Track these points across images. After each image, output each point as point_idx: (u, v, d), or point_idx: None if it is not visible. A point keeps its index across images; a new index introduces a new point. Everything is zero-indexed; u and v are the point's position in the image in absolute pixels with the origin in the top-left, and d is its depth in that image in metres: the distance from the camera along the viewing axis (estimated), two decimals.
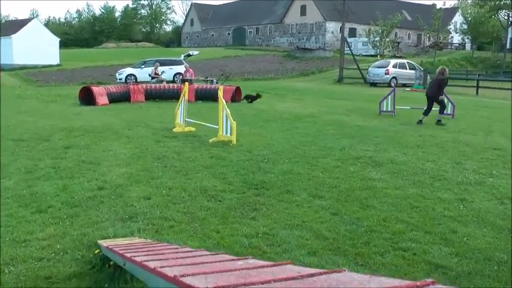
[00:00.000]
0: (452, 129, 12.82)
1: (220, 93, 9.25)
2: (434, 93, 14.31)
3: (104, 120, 12.63)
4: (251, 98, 18.79)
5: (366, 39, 56.73)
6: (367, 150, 9.12)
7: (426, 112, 14.25)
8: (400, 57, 48.84)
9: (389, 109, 15.88)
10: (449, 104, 15.84)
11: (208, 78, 25.86)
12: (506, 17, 71.76)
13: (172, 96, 18.80)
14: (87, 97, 17.15)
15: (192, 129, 10.62)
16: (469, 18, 62.40)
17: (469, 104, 20.81)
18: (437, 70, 14.94)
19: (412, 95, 24.81)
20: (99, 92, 17.41)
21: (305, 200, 5.74)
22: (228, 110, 9.18)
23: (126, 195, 5.71)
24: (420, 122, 13.97)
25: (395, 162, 8.18)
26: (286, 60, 53.15)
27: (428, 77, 33.04)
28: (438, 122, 13.94)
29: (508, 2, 66.61)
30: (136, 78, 31.31)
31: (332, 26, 67.91)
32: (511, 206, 5.94)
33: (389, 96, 15.97)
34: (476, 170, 7.87)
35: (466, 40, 73.47)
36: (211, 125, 10.16)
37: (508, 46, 62.96)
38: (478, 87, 29.42)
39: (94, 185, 6.16)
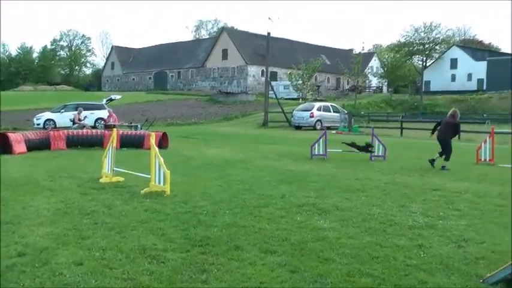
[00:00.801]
0: (387, 171, 12.92)
1: (153, 140, 8.71)
2: (444, 136, 14.26)
3: (23, 170, 11.61)
4: (362, 149, 16.00)
5: (287, 82, 58.13)
6: (309, 197, 8.86)
7: (442, 153, 14.22)
8: (321, 100, 50.15)
9: (321, 152, 15.89)
10: (381, 146, 16.09)
11: (132, 124, 25.07)
12: (420, 62, 76.52)
13: (95, 143, 17.92)
14: (2, 145, 15.84)
15: (121, 179, 9.91)
16: (386, 63, 65.61)
17: (397, 145, 21.37)
18: (450, 112, 14.75)
19: (341, 138, 25.14)
20: (16, 139, 16.13)
21: (257, 256, 5.28)
22: (161, 158, 8.63)
23: (52, 262, 4.98)
24: (433, 161, 14.03)
25: (341, 208, 7.95)
26: (208, 104, 53.18)
27: (352, 120, 34.03)
28: (443, 168, 13.68)
29: (421, 48, 71.12)
30: (55, 123, 30.00)
31: (253, 70, 69.15)
32: (469, 249, 5.81)
33: (321, 140, 16.00)
34: (423, 212, 7.80)
35: (383, 83, 77.24)
36: (142, 174, 9.53)
37: (423, 89, 66.52)
38: (402, 128, 30.47)
39: (13, 251, 5.34)
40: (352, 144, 16.04)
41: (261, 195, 8.99)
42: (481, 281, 4.78)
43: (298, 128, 34.82)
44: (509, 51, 77.70)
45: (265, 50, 40.21)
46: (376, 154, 16.02)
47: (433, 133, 14.83)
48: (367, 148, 15.78)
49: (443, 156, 14.12)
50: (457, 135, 14.44)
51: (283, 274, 4.76)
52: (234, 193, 9.06)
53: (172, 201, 8.03)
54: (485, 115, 48.18)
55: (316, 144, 16.00)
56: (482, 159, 15.28)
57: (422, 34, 72.60)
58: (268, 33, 39.69)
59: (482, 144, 15.42)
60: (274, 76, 67.09)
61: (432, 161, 14.09)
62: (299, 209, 7.81)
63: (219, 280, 4.56)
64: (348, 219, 7.18)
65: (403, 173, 12.76)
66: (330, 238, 6.14)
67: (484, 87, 71.08)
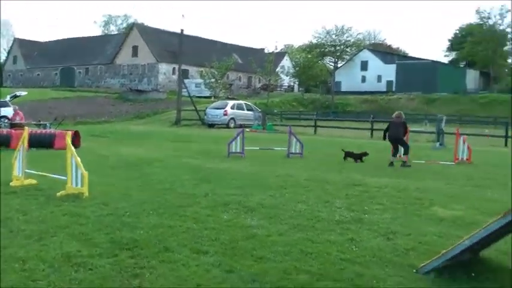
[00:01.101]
0: (306, 168, 13.10)
1: (69, 140, 8.21)
2: (401, 136, 14.96)
3: None
4: (356, 157, 15.56)
5: (199, 80, 57.82)
6: (233, 195, 8.75)
7: (395, 154, 14.97)
8: (233, 98, 50.32)
9: (238, 150, 15.86)
10: (298, 143, 16.32)
11: (41, 122, 23.76)
12: (331, 63, 78.84)
13: (1, 143, 16.58)
14: None
15: (34, 181, 9.26)
16: (298, 63, 66.83)
17: (312, 142, 21.72)
18: (395, 114, 15.49)
19: (255, 136, 25.33)
20: None
21: (189, 257, 5.09)
22: (79, 158, 8.17)
23: None
24: (392, 164, 14.48)
25: (267, 206, 7.91)
26: (119, 102, 51.71)
27: (266, 118, 34.37)
28: (404, 164, 14.41)
29: (333, 49, 73.24)
30: None
31: (164, 68, 68.14)
32: (397, 241, 5.95)
33: (238, 138, 15.97)
34: (348, 207, 7.93)
35: (295, 82, 78.79)
36: (56, 176, 8.97)
37: (334, 89, 68.53)
38: (316, 126, 31.16)
39: None
40: (349, 154, 15.84)
41: (183, 194, 8.77)
42: (414, 271, 4.91)
43: (212, 126, 34.67)
44: (416, 56, 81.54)
45: (178, 47, 39.74)
46: (293, 151, 16.24)
47: (385, 138, 15.39)
48: (361, 156, 15.74)
49: (401, 154, 14.99)
50: (406, 133, 15.21)
51: (219, 275, 4.61)
52: (155, 193, 8.77)
53: (91, 203, 7.60)
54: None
55: (234, 142, 15.95)
56: (397, 156, 15.85)
57: (333, 36, 74.79)
58: (182, 31, 39.20)
59: None
60: (185, 74, 66.41)
61: (391, 164, 14.58)
62: (225, 208, 7.68)
63: (154, 284, 4.33)
64: (275, 217, 7.14)
65: (322, 169, 12.98)
66: (260, 236, 6.06)
67: (393, 89, 74.40)
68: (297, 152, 16.29)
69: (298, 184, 10.29)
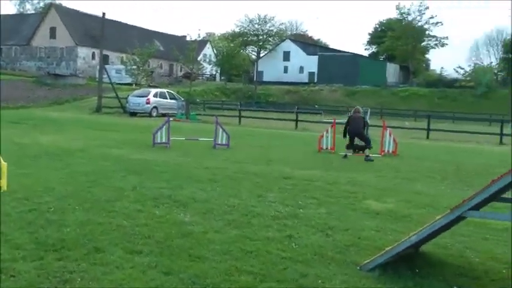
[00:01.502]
0: (233, 160, 12.95)
1: None
2: (360, 130, 15.05)
3: None
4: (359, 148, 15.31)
5: (120, 66, 56.22)
6: (162, 188, 8.47)
7: (350, 147, 15.11)
8: (155, 86, 49.33)
9: (164, 140, 15.47)
10: (224, 134, 16.14)
11: None
12: (254, 53, 79.01)
13: None
14: None
15: None
16: (221, 51, 66.42)
17: (237, 133, 21.58)
18: (354, 110, 15.70)
19: (178, 126, 24.85)
20: None
21: (122, 258, 4.79)
22: None
23: None
24: (345, 156, 14.71)
25: (199, 200, 7.70)
26: (36, 86, 49.09)
27: (190, 107, 33.94)
28: (367, 157, 14.40)
29: (255, 39, 73.34)
30: None
31: (84, 52, 65.59)
32: (336, 237, 5.94)
33: (164, 127, 15.58)
34: (281, 202, 7.87)
35: (217, 71, 78.40)
36: None
37: (255, 79, 68.80)
38: (240, 117, 31.06)
39: None
40: (354, 146, 15.52)
41: (110, 187, 8.37)
42: (358, 268, 4.89)
43: (133, 114, 33.74)
44: (338, 48, 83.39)
45: (100, 31, 38.26)
46: (220, 142, 16.04)
47: (344, 135, 15.28)
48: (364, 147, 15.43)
49: (362, 149, 14.98)
50: (366, 127, 15.44)
51: (157, 277, 4.36)
52: (80, 186, 8.31)
53: (11, 198, 7.05)
54: (316, 106, 51.22)
55: (159, 132, 15.54)
56: (324, 148, 16.07)
57: (256, 26, 74.80)
58: (104, 14, 37.75)
59: (324, 133, 16.21)
60: (106, 60, 64.08)
61: (345, 156, 14.77)
62: (155, 202, 7.39)
63: None
64: (209, 212, 6.95)
65: (250, 161, 12.88)
66: (196, 233, 5.85)
67: (315, 80, 75.70)
68: (224, 143, 16.11)
69: (228, 177, 10.13)
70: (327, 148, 16.16)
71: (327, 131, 16.38)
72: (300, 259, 5.09)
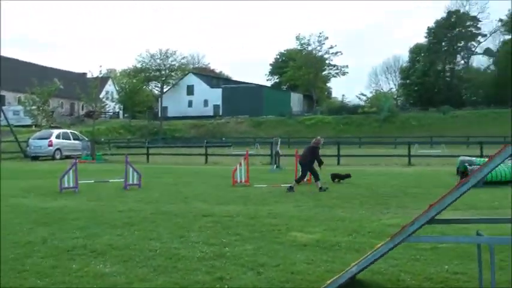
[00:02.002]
0: (148, 200, 12.53)
1: None
2: (304, 161, 14.87)
3: None
4: (339, 177, 16.40)
5: (18, 107, 53.69)
6: (76, 238, 7.93)
7: (299, 179, 14.84)
8: (56, 127, 47.46)
9: (71, 185, 14.70)
10: (135, 173, 15.63)
11: None
12: (157, 88, 78.45)
13: None
14: None
15: None
16: (123, 88, 65.35)
17: (147, 171, 21.03)
18: (313, 141, 15.34)
19: (85, 167, 23.90)
20: None
21: None
22: None
23: None
24: (291, 188, 14.19)
25: (117, 247, 7.26)
26: None
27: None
28: (320, 189, 14.07)
29: (158, 74, 72.91)
30: None
31: None
32: (269, 274, 5.76)
33: (71, 171, 14.81)
34: (205, 241, 7.61)
35: (120, 109, 76.95)
36: None
37: (160, 114, 68.19)
38: (148, 154, 30.41)
39: None
40: (335, 175, 16.32)
41: (17, 243, 7.68)
42: None
43: (36, 158, 32.11)
44: (241, 80, 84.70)
45: None
46: (130, 182, 15.50)
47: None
48: (345, 177, 16.35)
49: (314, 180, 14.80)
50: (317, 160, 14.87)
51: None
52: None
53: None
54: (224, 138, 51.40)
55: (66, 176, 14.75)
56: (239, 181, 15.94)
57: (158, 61, 74.48)
58: None
59: (238, 166, 16.09)
60: (1, 100, 61.22)
61: (290, 188, 14.30)
62: (70, 255, 6.86)
63: None
64: (130, 259, 6.55)
65: (165, 200, 12.51)
66: (121, 284, 5.45)
67: (221, 113, 76.11)
68: (135, 183, 15.58)
69: (145, 219, 9.71)
70: (241, 181, 16.04)
71: (240, 164, 16.29)
72: None
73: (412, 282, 5.47)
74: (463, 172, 15.24)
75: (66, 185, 14.60)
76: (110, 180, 16.94)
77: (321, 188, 14.11)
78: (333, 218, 9.56)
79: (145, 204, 11.85)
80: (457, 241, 5.89)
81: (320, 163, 14.97)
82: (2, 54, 35.21)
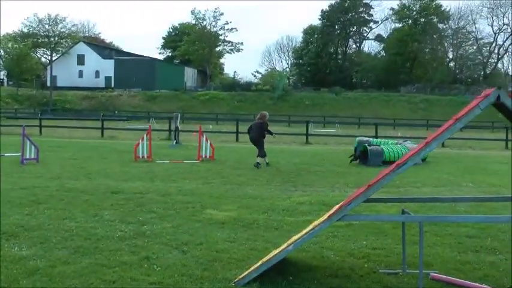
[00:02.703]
0: (49, 176, 11.97)
1: None
2: (258, 137, 14.97)
3: None
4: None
5: None
6: None
7: (263, 154, 14.79)
8: None
9: None
10: (33, 147, 14.81)
11: None
12: (46, 56, 74.04)
13: None
14: None
15: None
16: (9, 53, 60.97)
17: (42, 145, 19.94)
18: (259, 116, 15.59)
19: None
20: None
21: None
22: None
23: None
24: (258, 164, 14.32)
25: (30, 228, 6.89)
26: None
27: None
28: (257, 164, 14.31)
29: (47, 40, 68.71)
30: None
31: None
32: (194, 253, 5.78)
33: None
34: (121, 219, 7.50)
35: (4, 76, 72.03)
36: None
37: (50, 84, 64.73)
38: (41, 126, 28.86)
39: None
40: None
41: None
42: (233, 283, 4.80)
43: None
44: (133, 51, 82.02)
45: None
46: (28, 157, 14.68)
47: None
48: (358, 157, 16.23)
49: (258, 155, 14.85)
50: (267, 132, 15.33)
51: None
52: None
53: None
54: (116, 112, 49.92)
55: None
56: (141, 156, 15.64)
57: (47, 26, 70.07)
58: None
59: (140, 141, 15.76)
60: None
61: (257, 164, 14.34)
62: None
63: None
64: (46, 241, 6.25)
65: (67, 176, 12.02)
66: (43, 269, 5.19)
67: (113, 85, 73.57)
68: (32, 157, 14.77)
69: (52, 197, 9.26)
70: (143, 157, 15.75)
71: (142, 139, 15.97)
72: (170, 282, 4.83)
73: (336, 258, 5.74)
74: (362, 151, 15.99)
75: None
76: (6, 154, 15.87)
77: (257, 164, 14.42)
78: (244, 195, 9.70)
79: (48, 180, 11.32)
80: (391, 219, 6.25)
81: (271, 133, 15.72)
82: None
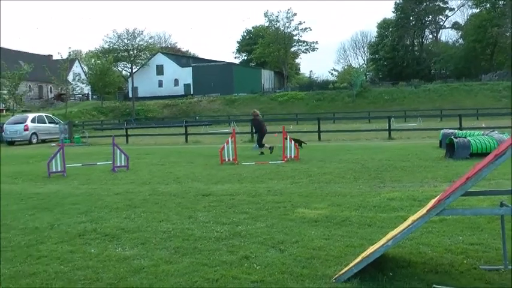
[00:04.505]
0: (141, 181, 12.41)
1: None
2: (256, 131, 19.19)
3: None
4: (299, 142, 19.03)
5: None
6: (83, 222, 7.80)
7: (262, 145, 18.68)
8: (26, 111, 46.42)
9: (59, 169, 14.42)
10: (123, 156, 15.42)
11: None
12: (126, 68, 77.07)
13: None
14: None
15: None
16: (93, 69, 63.89)
17: (130, 152, 20.73)
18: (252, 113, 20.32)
19: (66, 151, 23.41)
20: None
21: None
22: None
23: None
24: (261, 152, 18.20)
25: (129, 230, 7.17)
26: None
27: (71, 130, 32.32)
28: (254, 148, 18.66)
29: (126, 54, 71.54)
30: None
31: None
32: (291, 251, 5.76)
33: (58, 155, 14.53)
34: (215, 221, 7.59)
35: (89, 90, 75.52)
36: None
37: (132, 95, 67.23)
38: (127, 135, 30.00)
39: None
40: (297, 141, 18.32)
41: (24, 229, 7.52)
42: (333, 280, 4.74)
43: (11, 143, 31.41)
44: (209, 58, 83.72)
45: None
46: (119, 165, 15.28)
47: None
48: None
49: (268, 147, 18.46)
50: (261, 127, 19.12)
51: None
52: None
53: None
54: (197, 117, 51.04)
55: (53, 160, 14.46)
56: (226, 159, 15.85)
57: (126, 41, 73.05)
58: None
59: (225, 145, 15.98)
60: None
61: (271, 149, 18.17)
62: (83, 239, 6.75)
63: None
64: (147, 242, 6.47)
65: (157, 181, 12.37)
66: (147, 267, 5.37)
67: (192, 92, 75.40)
68: (123, 164, 15.37)
69: (147, 201, 9.60)
70: (228, 160, 15.96)
71: (227, 142, 16.18)
72: (272, 280, 4.84)
73: (433, 254, 5.53)
74: (448, 144, 15.42)
75: (54, 169, 14.33)
76: (98, 163, 16.63)
77: (256, 147, 18.79)
78: (333, 193, 9.58)
79: (139, 186, 11.71)
80: (492, 213, 5.90)
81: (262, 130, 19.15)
82: None
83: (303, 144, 19.71)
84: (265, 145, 18.68)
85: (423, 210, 4.88)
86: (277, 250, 5.90)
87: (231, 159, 15.91)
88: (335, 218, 7.41)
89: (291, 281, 4.81)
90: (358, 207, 8.12)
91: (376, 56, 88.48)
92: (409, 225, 4.64)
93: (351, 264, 4.78)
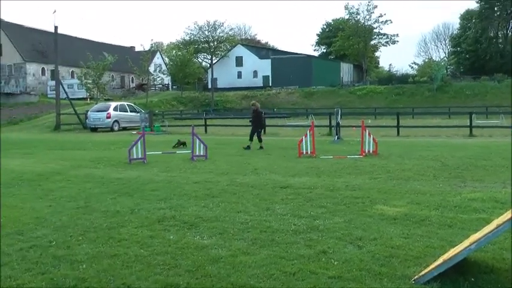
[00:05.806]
0: (218, 171, 12.50)
1: None
2: (253, 124, 19.29)
3: None
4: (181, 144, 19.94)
5: (71, 81, 54.86)
6: (162, 209, 7.98)
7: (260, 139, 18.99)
8: (109, 99, 48.22)
9: (140, 156, 14.86)
10: (201, 145, 15.65)
11: None
12: (206, 60, 78.52)
13: None
14: None
15: None
16: (174, 60, 65.39)
17: (208, 142, 21.03)
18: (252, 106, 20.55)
19: (146, 139, 24.12)
20: None
21: None
22: None
23: None
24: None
25: (207, 219, 7.25)
26: None
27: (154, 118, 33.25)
28: (250, 144, 18.42)
29: (206, 45, 72.92)
30: None
31: (33, 68, 63.58)
32: (370, 248, 5.61)
33: (139, 142, 14.96)
34: (293, 213, 7.53)
35: (169, 81, 77.48)
36: None
37: (211, 86, 68.33)
38: (206, 125, 30.53)
39: None
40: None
41: (106, 212, 7.80)
42: (412, 281, 4.58)
43: (94, 130, 32.85)
44: (288, 50, 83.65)
45: (51, 46, 37.02)
46: (198, 154, 15.54)
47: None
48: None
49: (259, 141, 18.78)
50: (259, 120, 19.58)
51: None
52: (72, 213, 7.70)
53: (2, 233, 6.42)
54: (275, 109, 51.16)
55: (134, 148, 14.91)
56: (304, 152, 15.75)
57: (206, 32, 74.38)
58: (56, 28, 36.50)
59: (304, 137, 15.88)
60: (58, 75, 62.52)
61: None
62: (163, 225, 6.89)
63: None
64: (225, 232, 6.50)
65: (235, 172, 12.45)
66: (225, 257, 5.40)
67: (270, 84, 75.73)
68: (202, 154, 15.62)
69: (225, 191, 9.67)
70: (307, 153, 15.83)
71: (306, 135, 16.05)
72: (349, 277, 4.74)
73: None
74: None
75: (134, 156, 14.78)
76: (177, 152, 17.01)
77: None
78: (412, 191, 9.26)
79: (218, 175, 11.83)
80: None
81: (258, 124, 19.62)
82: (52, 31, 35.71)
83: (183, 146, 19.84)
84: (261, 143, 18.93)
85: (508, 214, 4.57)
86: (355, 246, 5.77)
87: (309, 152, 15.78)
88: (414, 216, 7.16)
89: (369, 279, 4.68)
90: (438, 207, 7.80)
91: (458, 48, 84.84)
92: (493, 229, 4.36)
93: (431, 266, 4.58)
